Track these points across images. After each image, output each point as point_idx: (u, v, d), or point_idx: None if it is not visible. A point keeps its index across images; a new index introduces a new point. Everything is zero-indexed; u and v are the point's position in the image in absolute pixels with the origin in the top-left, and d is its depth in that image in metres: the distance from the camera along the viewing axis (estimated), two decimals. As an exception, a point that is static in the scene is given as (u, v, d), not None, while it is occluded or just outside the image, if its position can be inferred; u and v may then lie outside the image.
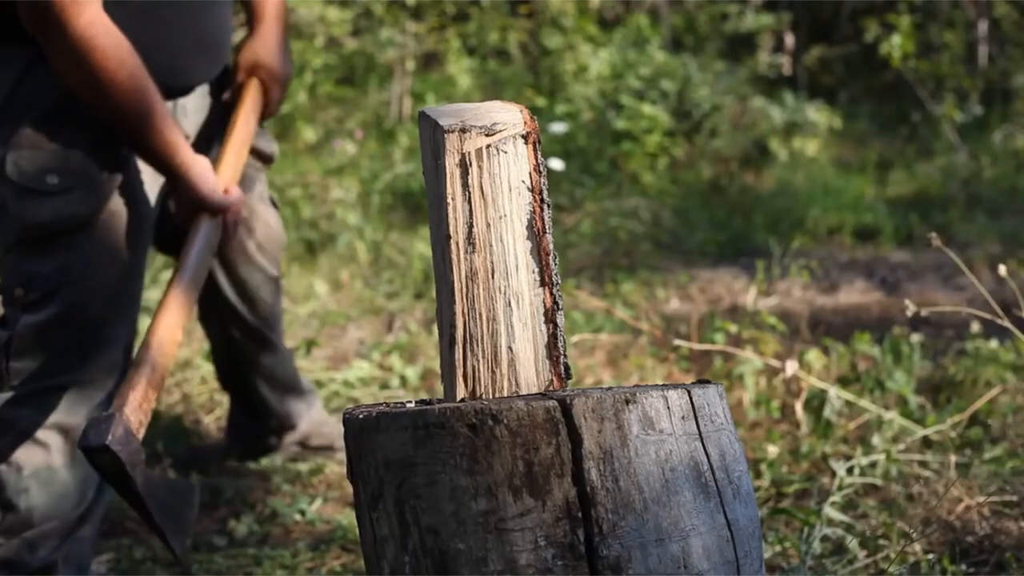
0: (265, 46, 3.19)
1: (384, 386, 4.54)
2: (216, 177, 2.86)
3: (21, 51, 2.64)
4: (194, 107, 3.04)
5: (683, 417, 1.50)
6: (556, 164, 7.96)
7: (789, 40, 12.67)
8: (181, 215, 2.88)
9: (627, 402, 1.46)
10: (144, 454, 2.46)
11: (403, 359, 4.82)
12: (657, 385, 1.62)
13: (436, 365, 4.65)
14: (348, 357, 4.98)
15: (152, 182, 2.85)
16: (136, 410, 2.46)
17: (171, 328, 2.64)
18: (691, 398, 1.52)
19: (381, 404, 1.64)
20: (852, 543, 2.84)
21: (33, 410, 2.67)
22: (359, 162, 8.43)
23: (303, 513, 3.43)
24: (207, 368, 4.54)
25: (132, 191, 2.78)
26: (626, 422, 1.45)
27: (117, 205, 2.73)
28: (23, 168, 2.62)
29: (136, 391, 2.49)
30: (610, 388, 1.57)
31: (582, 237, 7.26)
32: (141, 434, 2.47)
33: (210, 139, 3.10)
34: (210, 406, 4.36)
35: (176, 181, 2.77)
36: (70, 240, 2.66)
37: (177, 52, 2.85)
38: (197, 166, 2.77)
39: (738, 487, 1.55)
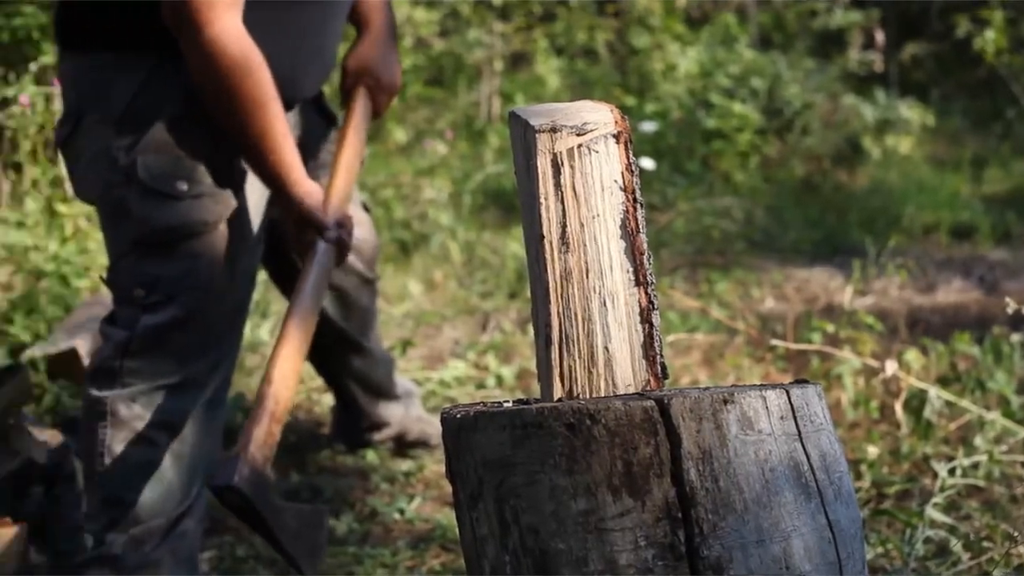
0: (373, 53, 3.20)
1: (480, 386, 4.56)
2: (329, 199, 2.85)
3: (145, 57, 2.69)
4: (295, 121, 3.07)
5: (782, 417, 1.49)
6: (647, 163, 7.94)
7: (880, 37, 12.53)
8: (294, 236, 2.88)
9: (725, 402, 1.45)
10: (271, 488, 2.50)
11: (498, 359, 4.84)
12: (755, 385, 1.61)
13: (531, 365, 4.66)
14: (443, 357, 5.00)
15: (263, 190, 2.88)
16: (261, 446, 2.51)
17: (292, 359, 2.66)
18: (790, 398, 1.51)
19: (479, 403, 1.64)
20: (955, 545, 2.81)
21: (144, 408, 2.71)
22: (450, 162, 8.46)
23: (402, 512, 3.45)
24: (305, 368, 4.57)
25: (249, 201, 2.83)
26: (725, 422, 1.44)
27: (236, 213, 2.77)
28: (154, 171, 2.66)
29: (260, 427, 2.53)
30: (708, 388, 1.57)
31: (675, 236, 7.23)
32: (267, 468, 2.51)
33: (307, 153, 3.13)
34: (308, 405, 4.40)
35: (289, 201, 2.76)
36: (193, 245, 2.71)
37: (298, 62, 2.88)
38: (311, 187, 2.77)
39: (839, 488, 1.54)
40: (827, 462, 1.53)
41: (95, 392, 2.73)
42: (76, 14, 2.77)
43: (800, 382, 1.61)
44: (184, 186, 2.68)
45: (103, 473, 2.73)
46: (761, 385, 1.59)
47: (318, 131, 3.18)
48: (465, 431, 1.52)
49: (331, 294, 3.43)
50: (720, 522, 1.42)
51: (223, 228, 2.74)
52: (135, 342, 2.70)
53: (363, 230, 3.43)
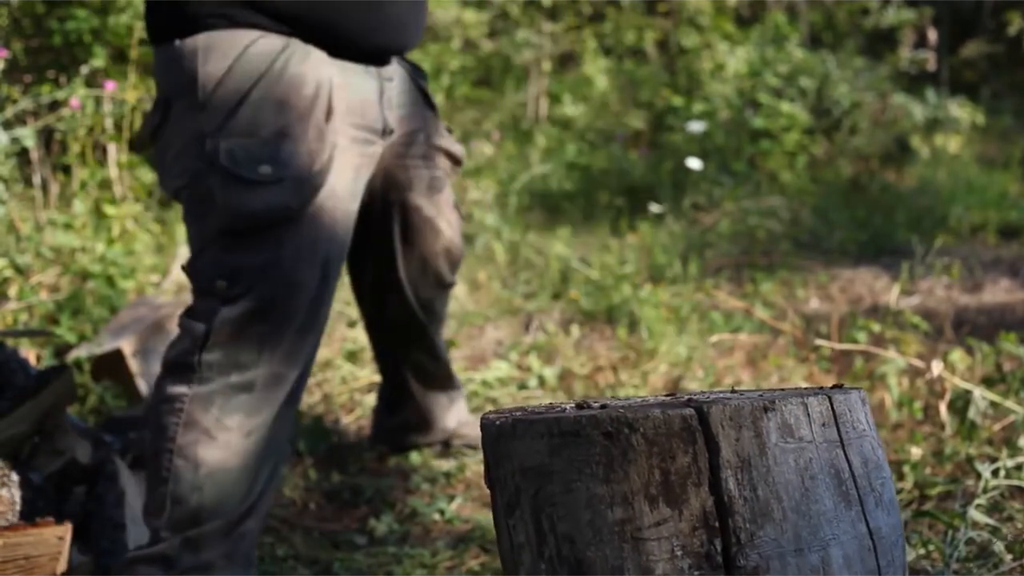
0: None
1: (522, 386, 4.55)
2: None
3: (231, 40, 2.68)
4: (398, 101, 3.03)
5: (823, 424, 1.48)
6: (694, 163, 7.92)
7: (932, 35, 12.46)
8: None
9: (765, 410, 1.44)
10: None
11: (541, 359, 4.83)
12: (797, 391, 1.59)
13: (574, 365, 4.66)
14: (486, 357, 5.00)
15: (355, 177, 2.85)
16: None
17: None
18: (832, 404, 1.50)
19: (519, 409, 1.63)
20: (998, 546, 2.79)
21: (220, 410, 2.69)
22: (496, 163, 8.47)
23: (442, 512, 3.46)
24: (347, 368, 4.60)
25: (337, 186, 2.78)
26: (764, 430, 1.43)
27: (323, 200, 2.73)
28: (237, 156, 2.63)
29: None
30: (749, 395, 1.56)
31: (720, 237, 7.22)
32: None
33: (412, 131, 3.11)
34: (350, 406, 4.41)
35: None
36: (277, 234, 2.67)
37: (392, 8, 2.86)
38: None
39: (880, 495, 1.52)
40: (869, 469, 1.52)
41: (171, 388, 2.71)
42: (168, 5, 2.76)
43: (844, 387, 1.60)
44: (267, 169, 2.64)
45: (171, 471, 2.70)
46: (803, 391, 1.58)
47: (420, 110, 3.15)
48: (504, 438, 1.52)
49: (413, 286, 3.38)
50: (758, 531, 1.41)
51: (309, 214, 2.70)
52: (213, 335, 2.67)
53: (453, 232, 3.40)
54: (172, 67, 2.74)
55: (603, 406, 1.55)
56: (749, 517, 1.41)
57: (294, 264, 2.69)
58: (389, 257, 3.31)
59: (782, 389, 1.66)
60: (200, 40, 2.70)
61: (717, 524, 1.41)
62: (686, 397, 1.61)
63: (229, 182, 2.64)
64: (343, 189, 2.79)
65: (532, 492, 1.48)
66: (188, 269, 2.76)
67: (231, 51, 2.67)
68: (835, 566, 1.45)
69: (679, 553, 1.41)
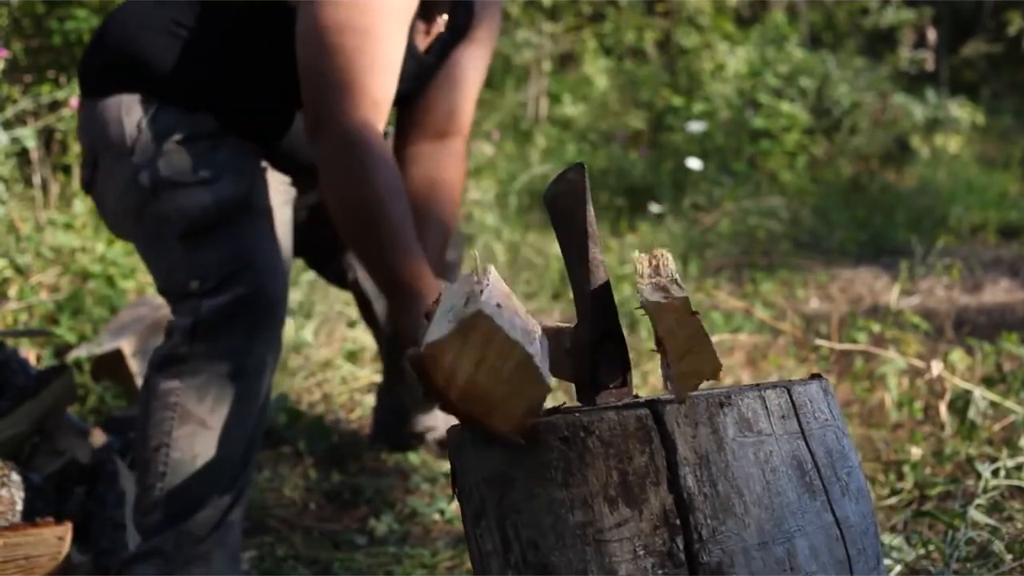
0: None
1: (522, 386, 4.54)
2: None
3: (148, 100, 2.79)
4: None
5: (783, 416, 1.49)
6: (694, 164, 7.93)
7: (932, 35, 12.47)
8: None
9: (721, 405, 1.45)
10: None
11: (540, 359, 4.82)
12: (754, 385, 1.60)
13: (573, 366, 4.65)
14: (486, 357, 4.99)
15: (286, 190, 2.92)
16: None
17: None
18: (791, 396, 1.51)
19: None
20: (998, 546, 2.79)
21: (213, 399, 2.70)
22: (496, 163, 8.46)
23: (442, 512, 3.46)
24: (347, 368, 4.60)
25: (273, 180, 2.86)
26: (721, 425, 1.44)
27: (265, 187, 2.81)
28: (175, 166, 2.72)
29: None
30: (704, 391, 1.57)
31: (720, 237, 7.22)
32: None
33: None
34: (350, 405, 4.41)
35: (398, 308, 2.52)
36: (234, 224, 2.72)
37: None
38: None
39: (847, 484, 1.53)
40: (833, 459, 1.52)
41: (163, 383, 2.72)
42: (94, 65, 2.91)
43: (815, 377, 1.60)
44: (205, 173, 2.72)
45: (168, 465, 2.72)
46: (761, 385, 1.59)
47: None
48: (466, 448, 1.54)
49: None
50: (720, 527, 1.42)
51: (257, 204, 2.77)
52: (201, 326, 2.69)
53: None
54: (97, 121, 2.85)
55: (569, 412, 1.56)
56: (710, 513, 1.42)
57: (257, 249, 2.74)
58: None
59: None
60: (124, 98, 2.81)
61: (678, 522, 1.42)
62: (644, 398, 1.62)
63: (175, 191, 2.72)
64: (278, 182, 2.88)
65: (496, 500, 1.49)
66: (163, 289, 2.83)
67: (149, 108, 2.79)
68: (801, 558, 1.45)
69: (641, 553, 1.41)
